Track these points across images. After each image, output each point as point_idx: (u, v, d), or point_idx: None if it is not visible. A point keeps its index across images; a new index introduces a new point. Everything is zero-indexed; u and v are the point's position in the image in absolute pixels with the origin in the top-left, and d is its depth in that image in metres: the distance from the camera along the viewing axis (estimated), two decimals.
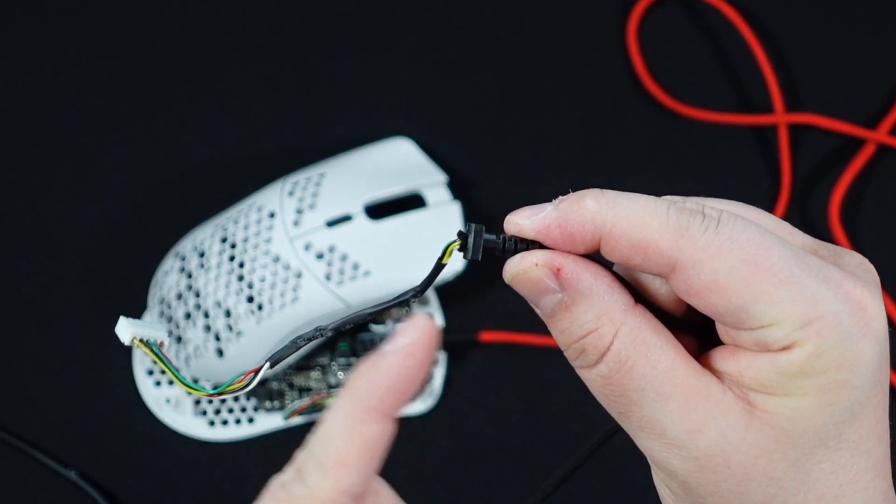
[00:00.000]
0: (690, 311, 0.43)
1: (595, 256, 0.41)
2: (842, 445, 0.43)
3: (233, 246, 0.65)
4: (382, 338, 0.67)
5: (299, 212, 0.65)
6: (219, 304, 0.64)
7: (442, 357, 0.70)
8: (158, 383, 0.70)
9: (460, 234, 0.42)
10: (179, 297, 0.66)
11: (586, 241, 0.42)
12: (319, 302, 0.64)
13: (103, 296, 0.73)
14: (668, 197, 0.44)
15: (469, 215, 0.71)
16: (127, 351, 0.71)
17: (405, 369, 0.40)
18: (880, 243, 0.74)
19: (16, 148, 0.74)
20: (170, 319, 0.66)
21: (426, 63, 0.74)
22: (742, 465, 0.43)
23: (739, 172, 0.74)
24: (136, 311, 0.71)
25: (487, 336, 0.69)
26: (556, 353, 0.45)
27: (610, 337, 0.42)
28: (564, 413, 0.69)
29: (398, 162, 0.69)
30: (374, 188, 0.67)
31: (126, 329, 0.43)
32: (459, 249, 0.42)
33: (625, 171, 0.74)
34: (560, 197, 0.42)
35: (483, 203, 0.73)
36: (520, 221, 0.43)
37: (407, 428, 0.73)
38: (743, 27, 0.72)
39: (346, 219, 0.65)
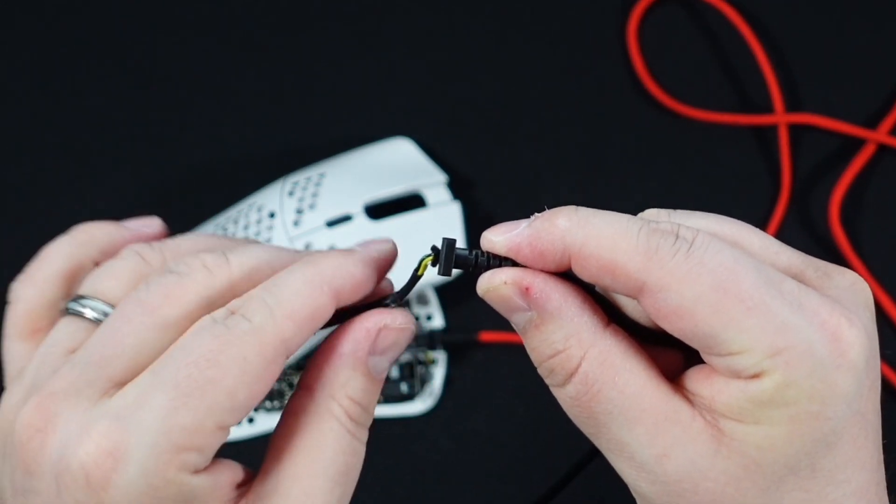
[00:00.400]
0: None
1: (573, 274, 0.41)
2: (816, 475, 0.42)
3: None
4: None
5: (299, 212, 0.65)
6: None
7: (442, 357, 0.70)
8: None
9: (433, 248, 0.42)
10: None
11: (556, 260, 0.41)
12: None
13: None
14: (652, 211, 0.44)
15: (469, 215, 0.71)
16: None
17: (369, 278, 0.43)
18: (880, 243, 0.74)
19: (16, 148, 0.74)
20: None
21: (426, 63, 0.74)
22: (711, 491, 0.42)
23: (739, 172, 0.74)
24: None
25: (487, 336, 0.69)
26: None
27: (577, 359, 0.42)
28: (564, 413, 0.68)
29: (398, 162, 0.69)
30: (373, 188, 0.66)
31: None
32: (433, 264, 0.42)
33: (625, 170, 0.73)
34: (535, 214, 0.42)
35: (483, 203, 0.73)
36: (493, 238, 0.42)
37: (407, 428, 0.73)
38: (743, 27, 0.72)
39: (345, 219, 0.65)
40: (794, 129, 0.74)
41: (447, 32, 0.74)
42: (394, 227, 0.65)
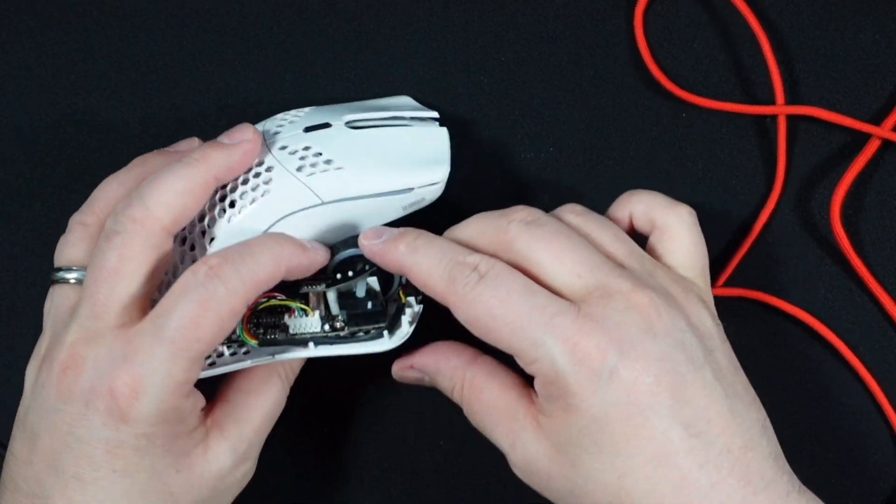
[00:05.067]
0: None
1: None
2: (602, 449, 0.55)
3: None
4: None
5: (279, 126, 0.65)
6: None
7: (415, 307, 0.66)
8: None
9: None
10: None
11: (397, 271, 0.60)
12: (291, 194, 0.61)
13: None
14: (568, 207, 0.62)
15: (471, 206, 0.71)
16: None
17: (310, 268, 0.60)
18: (882, 241, 0.71)
19: (10, 146, 0.75)
20: None
21: (425, 58, 0.75)
22: (544, 469, 0.57)
23: (740, 164, 0.73)
24: None
25: None
26: None
27: (459, 388, 0.61)
28: None
29: (391, 103, 0.70)
30: (359, 112, 0.66)
31: None
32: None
33: (626, 154, 0.73)
34: (399, 230, 0.60)
35: (487, 196, 0.73)
36: (361, 241, 0.61)
37: (407, 428, 0.71)
38: (750, 17, 0.72)
39: (325, 126, 0.64)
40: (797, 124, 0.73)
41: (448, 25, 0.75)
42: (373, 135, 0.64)
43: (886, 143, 0.72)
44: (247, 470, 0.61)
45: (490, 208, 0.70)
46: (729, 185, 0.72)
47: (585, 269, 0.56)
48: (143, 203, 0.57)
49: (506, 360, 0.62)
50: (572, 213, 0.62)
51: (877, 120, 0.72)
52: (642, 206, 0.63)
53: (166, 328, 0.55)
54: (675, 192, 0.70)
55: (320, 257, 0.60)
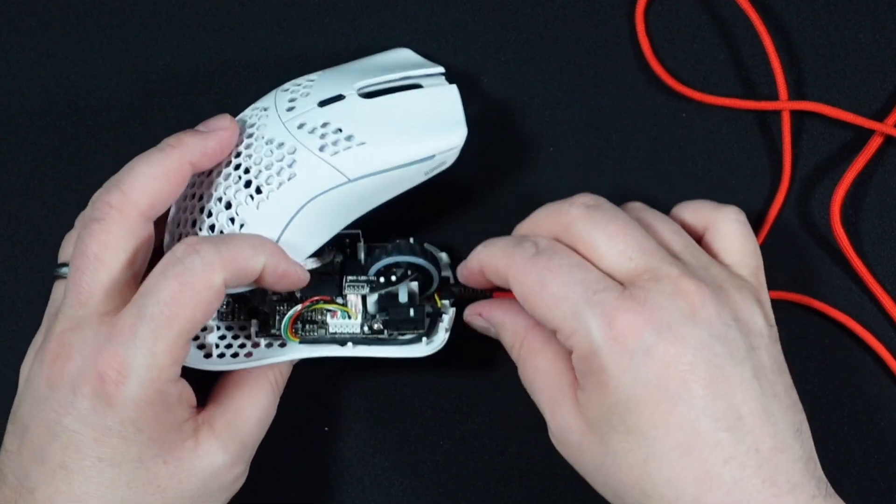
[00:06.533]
0: None
1: None
2: (630, 430, 0.55)
3: None
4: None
5: (292, 101, 0.64)
6: (220, 200, 0.62)
7: (451, 310, 0.67)
8: None
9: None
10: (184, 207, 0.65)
11: (481, 276, 0.63)
12: (317, 175, 0.61)
13: None
14: (634, 204, 0.64)
15: (477, 203, 0.72)
16: None
17: (292, 278, 0.61)
18: (882, 241, 0.72)
19: (10, 146, 0.75)
20: (179, 237, 0.63)
21: (426, 56, 0.74)
22: (577, 442, 0.58)
23: (743, 160, 0.73)
24: None
25: (501, 295, 0.67)
26: None
27: (518, 346, 0.62)
28: None
29: (395, 60, 0.69)
30: (368, 77, 0.66)
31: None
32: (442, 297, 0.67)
33: (628, 155, 0.73)
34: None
35: (490, 192, 0.73)
36: (458, 270, 0.65)
37: (407, 428, 0.71)
38: (752, 14, 0.72)
39: (338, 98, 0.64)
40: (800, 119, 0.73)
41: (447, 24, 0.75)
42: (387, 103, 0.64)
43: (888, 141, 0.72)
44: (238, 474, 0.61)
45: (488, 210, 0.72)
46: (730, 185, 0.73)
47: (637, 252, 0.58)
48: (120, 189, 0.58)
49: None
50: (634, 207, 0.64)
51: (879, 117, 0.73)
52: (690, 211, 0.65)
53: (147, 306, 0.55)
54: (677, 191, 0.71)
55: (300, 272, 0.61)
